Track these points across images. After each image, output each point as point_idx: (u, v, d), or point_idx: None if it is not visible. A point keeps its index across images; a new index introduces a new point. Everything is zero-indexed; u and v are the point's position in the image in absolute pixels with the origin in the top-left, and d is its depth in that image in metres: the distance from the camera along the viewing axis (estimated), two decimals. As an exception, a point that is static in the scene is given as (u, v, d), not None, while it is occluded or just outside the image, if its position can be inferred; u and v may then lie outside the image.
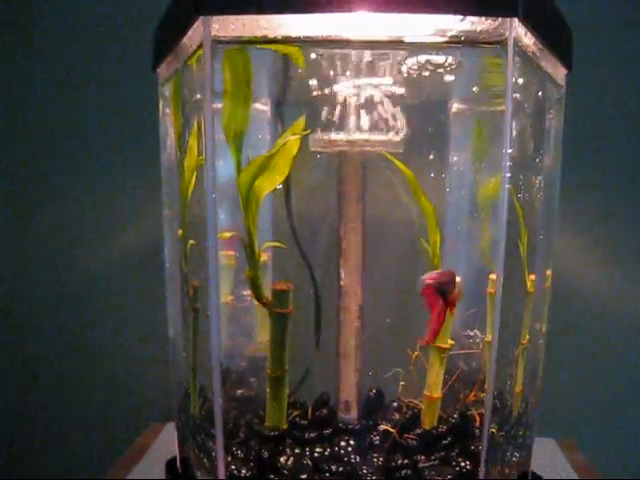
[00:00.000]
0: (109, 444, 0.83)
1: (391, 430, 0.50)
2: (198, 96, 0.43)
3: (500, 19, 0.37)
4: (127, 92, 0.79)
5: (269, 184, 0.46)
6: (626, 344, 0.81)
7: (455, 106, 0.55)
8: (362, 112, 0.49)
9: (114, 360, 0.84)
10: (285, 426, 0.51)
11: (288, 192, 0.55)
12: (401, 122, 0.50)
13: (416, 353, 0.52)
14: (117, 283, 0.83)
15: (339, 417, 0.53)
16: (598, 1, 0.76)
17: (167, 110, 0.52)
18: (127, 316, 0.83)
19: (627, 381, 0.81)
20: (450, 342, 0.52)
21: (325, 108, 0.50)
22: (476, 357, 0.55)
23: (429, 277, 0.45)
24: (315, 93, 0.49)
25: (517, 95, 0.42)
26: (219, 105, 0.42)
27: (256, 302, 0.49)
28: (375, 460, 0.48)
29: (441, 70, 0.44)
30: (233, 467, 0.46)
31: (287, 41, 0.39)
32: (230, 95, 0.43)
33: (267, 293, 0.48)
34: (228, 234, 0.47)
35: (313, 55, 0.44)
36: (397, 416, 0.53)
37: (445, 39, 0.38)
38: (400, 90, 0.49)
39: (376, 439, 0.50)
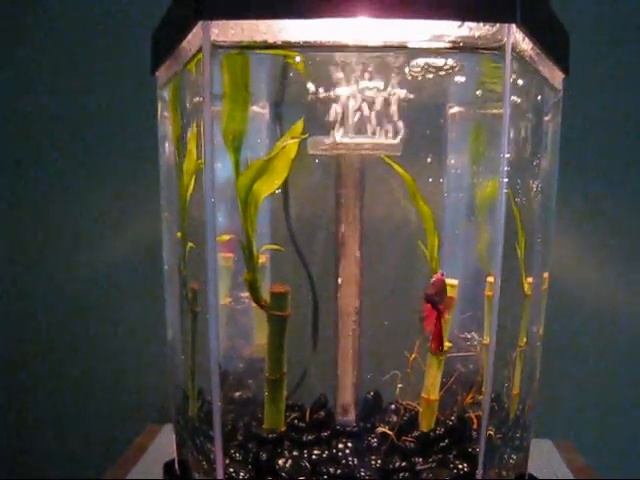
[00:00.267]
0: (107, 445, 0.83)
1: (389, 432, 0.50)
2: (197, 99, 0.43)
3: (498, 25, 0.37)
4: (126, 95, 0.79)
5: (268, 187, 0.46)
6: (623, 345, 0.81)
7: (453, 109, 0.55)
8: (360, 116, 0.49)
9: (112, 361, 0.84)
10: (283, 428, 0.51)
11: (286, 195, 0.55)
12: (399, 125, 0.50)
13: (414, 356, 0.52)
14: (115, 285, 0.83)
15: (337, 419, 0.53)
16: (595, 4, 0.77)
17: (166, 113, 0.52)
18: (126, 318, 0.83)
19: (624, 382, 0.81)
20: (447, 345, 0.52)
21: (323, 111, 0.50)
22: (473, 359, 0.55)
23: (427, 288, 0.46)
24: (313, 96, 0.49)
25: (515, 99, 0.42)
26: (218, 108, 0.42)
27: (254, 305, 0.49)
28: (373, 462, 0.48)
29: (440, 73, 0.44)
30: (231, 469, 0.46)
31: (287, 46, 0.39)
32: (229, 98, 0.44)
33: (265, 296, 0.48)
34: (227, 237, 0.47)
35: (312, 59, 0.44)
36: (395, 418, 0.53)
37: (444, 44, 0.39)
38: (398, 94, 0.49)
39: (374, 441, 0.50)
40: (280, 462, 0.47)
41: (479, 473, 0.43)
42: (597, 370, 0.81)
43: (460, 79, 0.48)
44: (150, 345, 0.81)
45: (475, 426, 0.52)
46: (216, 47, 0.38)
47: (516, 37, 0.38)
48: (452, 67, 0.42)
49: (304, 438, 0.50)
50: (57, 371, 0.84)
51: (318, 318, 0.57)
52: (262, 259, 0.52)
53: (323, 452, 0.49)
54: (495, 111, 0.50)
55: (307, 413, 0.55)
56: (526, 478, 0.52)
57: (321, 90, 0.48)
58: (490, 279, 0.53)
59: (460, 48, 0.39)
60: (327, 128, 0.50)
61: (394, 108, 0.49)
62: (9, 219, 0.83)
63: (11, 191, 0.83)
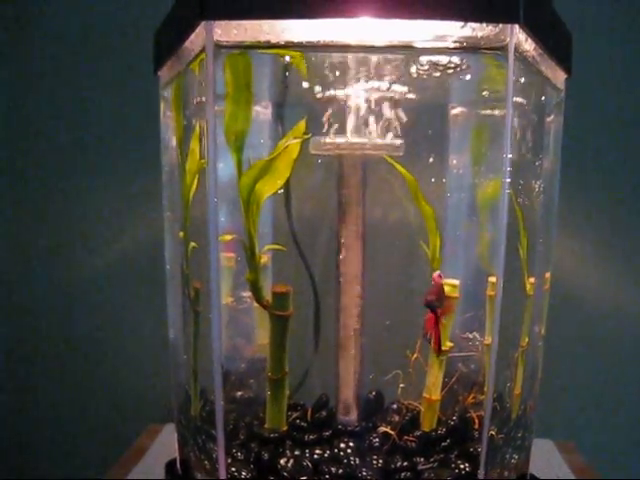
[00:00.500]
0: (108, 445, 0.83)
1: (390, 432, 0.50)
2: (200, 99, 0.43)
3: (501, 25, 0.37)
4: (128, 94, 0.79)
5: (270, 187, 0.46)
6: (625, 345, 0.81)
7: (455, 110, 0.55)
8: (362, 116, 0.49)
9: (113, 361, 0.84)
10: (285, 428, 0.51)
11: (288, 195, 0.55)
12: (401, 125, 0.50)
13: (415, 355, 0.52)
14: (117, 284, 0.83)
15: (339, 419, 0.53)
16: (597, 4, 0.77)
17: (168, 113, 0.52)
18: (127, 318, 0.83)
19: (626, 382, 0.81)
20: (449, 344, 0.52)
21: (326, 111, 0.50)
22: (475, 359, 0.55)
23: (428, 294, 0.47)
24: (316, 96, 0.49)
25: (517, 99, 0.42)
26: (220, 108, 0.42)
27: (256, 304, 0.49)
28: (374, 462, 0.48)
29: (447, 71, 0.44)
30: (233, 469, 0.46)
31: (289, 46, 0.39)
32: (231, 98, 0.44)
33: (267, 295, 0.48)
34: (229, 237, 0.47)
35: (314, 59, 0.44)
36: (396, 418, 0.53)
37: (446, 45, 0.39)
38: (400, 94, 0.49)
39: (375, 441, 0.50)
40: (282, 462, 0.47)
41: (481, 473, 0.43)
42: (598, 370, 0.81)
43: (462, 79, 0.48)
44: (151, 345, 0.81)
45: (477, 426, 0.52)
46: (219, 47, 0.38)
47: (519, 37, 0.38)
48: (458, 65, 0.42)
49: (306, 438, 0.50)
50: (58, 371, 0.85)
51: (320, 318, 0.57)
52: (264, 259, 0.52)
53: (325, 452, 0.49)
54: (497, 111, 0.50)
55: (309, 413, 0.55)
56: (528, 478, 0.52)
57: (324, 90, 0.48)
58: (492, 279, 0.53)
59: (463, 48, 0.39)
60: (329, 128, 0.50)
61: (396, 108, 0.49)
62: (9, 218, 0.83)
63: (12, 190, 0.83)
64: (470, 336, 0.55)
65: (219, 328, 0.41)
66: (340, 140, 0.50)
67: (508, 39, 0.37)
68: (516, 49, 0.38)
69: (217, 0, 0.37)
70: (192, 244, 0.48)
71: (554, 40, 0.44)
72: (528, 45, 0.40)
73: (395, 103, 0.49)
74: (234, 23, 0.38)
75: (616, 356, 0.81)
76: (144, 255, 0.82)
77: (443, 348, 0.52)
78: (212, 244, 0.39)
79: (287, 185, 0.54)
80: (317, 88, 0.48)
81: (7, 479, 0.86)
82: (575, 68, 0.50)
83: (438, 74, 0.43)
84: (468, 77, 0.47)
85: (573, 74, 0.50)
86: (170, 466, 0.54)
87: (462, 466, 0.48)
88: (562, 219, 0.59)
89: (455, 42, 0.38)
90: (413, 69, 0.45)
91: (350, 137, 0.50)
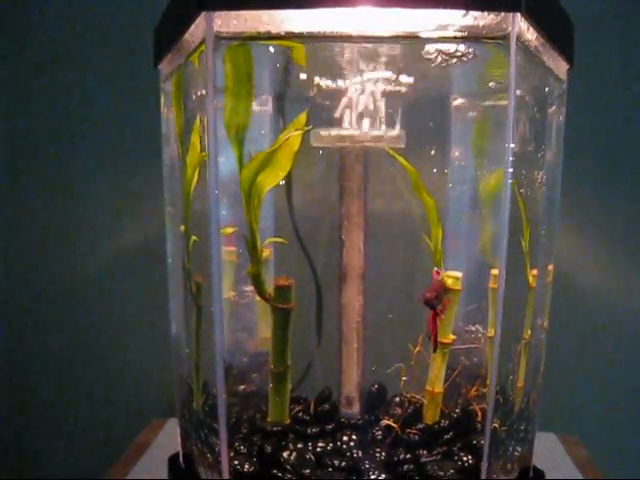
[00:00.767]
0: (111, 440, 0.83)
1: (393, 425, 0.50)
2: (200, 92, 0.43)
3: (503, 14, 0.37)
4: (129, 88, 0.79)
5: (271, 180, 0.45)
6: (627, 338, 0.81)
7: (456, 101, 0.55)
8: (364, 107, 0.49)
9: (115, 356, 0.84)
10: (288, 421, 0.51)
11: (290, 188, 0.55)
12: (402, 117, 0.50)
13: (418, 348, 0.52)
14: (119, 279, 0.83)
15: (341, 412, 0.53)
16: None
17: (169, 107, 0.52)
18: (129, 312, 0.83)
19: (628, 376, 0.81)
20: (452, 337, 0.52)
21: (327, 103, 0.49)
22: (478, 352, 0.55)
23: (427, 292, 0.46)
24: (317, 88, 0.49)
25: (519, 90, 0.42)
26: (221, 101, 0.42)
27: (258, 298, 0.49)
28: (377, 455, 0.48)
29: (449, 59, 0.43)
30: (236, 462, 0.46)
31: (290, 37, 0.39)
32: (232, 91, 0.43)
33: (269, 289, 0.48)
34: (230, 230, 0.47)
35: (315, 50, 0.44)
36: (399, 411, 0.53)
37: (448, 34, 0.38)
38: (402, 85, 0.48)
39: (378, 434, 0.50)
40: (285, 455, 0.47)
41: (484, 466, 0.43)
42: (601, 364, 0.81)
43: (464, 70, 0.48)
44: (153, 340, 0.81)
45: (479, 419, 0.52)
46: (219, 38, 0.38)
47: (521, 26, 0.38)
48: (464, 54, 0.42)
49: (308, 431, 0.50)
50: (58, 367, 0.85)
51: (322, 311, 0.57)
52: (266, 253, 0.52)
53: (327, 445, 0.49)
54: (499, 102, 0.49)
55: (311, 406, 0.55)
56: (531, 471, 0.52)
57: (324, 82, 0.48)
58: (494, 271, 0.53)
59: (464, 38, 0.38)
60: (330, 120, 0.49)
61: (397, 100, 0.49)
62: (9, 216, 0.83)
63: (11, 188, 0.83)
64: (473, 329, 0.55)
65: (221, 321, 0.41)
66: (341, 132, 0.49)
67: (510, 28, 0.37)
68: (518, 38, 0.37)
69: (217, -9, 0.36)
70: (193, 238, 0.48)
71: (556, 29, 0.44)
72: (530, 34, 0.40)
73: (396, 94, 0.49)
74: (233, 14, 0.38)
75: (618, 349, 0.81)
76: (145, 250, 0.81)
77: (445, 341, 0.52)
78: (213, 237, 0.39)
79: (288, 178, 0.54)
80: (318, 80, 0.48)
81: (7, 479, 0.86)
82: (577, 59, 0.49)
83: (444, 64, 0.43)
84: (470, 68, 0.47)
85: (575, 65, 0.49)
86: (173, 460, 0.54)
87: (465, 458, 0.48)
88: (563, 211, 0.58)
89: (457, 31, 0.38)
90: (417, 58, 0.45)
91: (351, 129, 0.50)
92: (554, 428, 0.72)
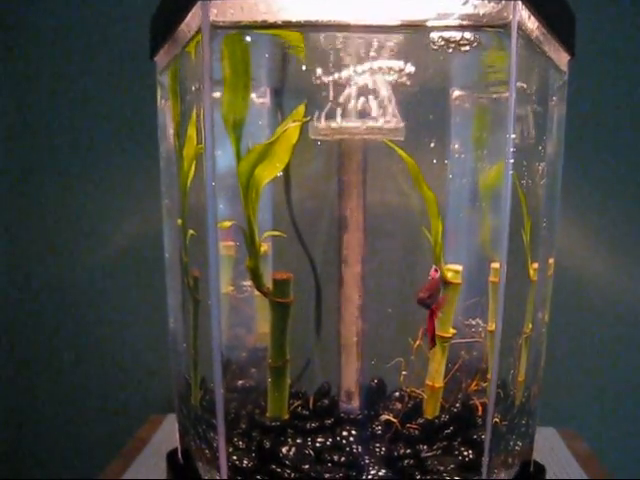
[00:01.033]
0: (110, 436, 0.83)
1: (393, 420, 0.50)
2: (197, 84, 0.43)
3: (503, 2, 0.36)
4: (125, 81, 0.79)
5: (269, 172, 0.45)
6: (627, 332, 0.80)
7: (456, 93, 0.54)
8: (363, 99, 0.49)
9: (114, 352, 0.84)
10: (286, 416, 0.51)
11: (288, 181, 0.54)
12: (401, 109, 0.49)
13: (418, 342, 0.52)
14: (117, 274, 0.82)
15: (341, 407, 0.53)
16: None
17: (165, 99, 0.52)
18: (127, 307, 0.83)
19: (628, 370, 0.81)
20: (452, 331, 0.52)
21: (325, 95, 0.49)
22: (478, 346, 0.55)
23: (420, 292, 0.46)
24: (315, 80, 0.48)
25: (520, 80, 0.41)
26: (218, 94, 0.42)
27: (257, 292, 0.48)
28: (377, 450, 0.47)
29: (455, 48, 0.42)
30: (235, 458, 0.46)
31: (287, 26, 0.39)
32: (229, 83, 0.43)
33: (268, 283, 0.48)
34: (228, 223, 0.46)
35: (313, 40, 0.43)
36: (399, 406, 0.53)
37: (448, 23, 0.38)
38: (401, 76, 0.48)
39: (378, 429, 0.50)
40: (284, 450, 0.46)
41: (485, 460, 0.42)
42: (600, 358, 0.81)
43: (464, 62, 0.47)
44: (151, 335, 0.81)
45: (480, 413, 0.52)
46: (215, 28, 0.37)
47: (522, 15, 0.37)
48: (470, 41, 0.41)
49: (308, 426, 0.50)
50: (57, 363, 0.84)
51: (321, 305, 0.57)
52: (264, 247, 0.51)
53: (327, 440, 0.48)
54: (500, 94, 0.49)
55: (311, 401, 0.54)
56: (531, 465, 0.52)
57: (322, 73, 0.47)
58: (494, 265, 0.52)
59: (465, 27, 0.38)
60: (329, 112, 0.49)
61: (397, 91, 0.48)
62: (9, 213, 0.83)
63: (9, 184, 0.83)
64: (473, 322, 0.54)
65: (218, 315, 0.40)
66: (340, 124, 0.49)
67: (511, 16, 0.36)
68: (519, 27, 0.37)
69: (213, -21, 0.36)
70: (190, 232, 0.48)
71: (557, 19, 0.43)
72: (531, 24, 0.39)
73: (395, 86, 0.48)
74: (230, 2, 0.37)
75: (618, 342, 0.80)
76: (143, 245, 0.81)
77: (445, 335, 0.52)
78: (211, 229, 0.39)
79: (287, 171, 0.54)
80: (316, 71, 0.48)
81: (6, 478, 0.86)
82: (578, 50, 0.49)
83: (449, 52, 0.42)
84: (471, 59, 0.47)
85: (577, 56, 0.49)
86: (171, 456, 0.53)
87: (465, 453, 0.47)
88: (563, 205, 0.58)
89: (457, 20, 0.37)
90: (416, 49, 0.44)
91: (350, 121, 0.49)
92: (554, 422, 0.72)
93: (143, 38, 0.51)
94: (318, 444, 0.48)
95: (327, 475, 0.44)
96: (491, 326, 0.53)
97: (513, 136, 0.38)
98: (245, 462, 0.46)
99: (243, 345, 0.59)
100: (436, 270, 0.47)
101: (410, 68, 0.48)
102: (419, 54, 0.46)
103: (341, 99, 0.49)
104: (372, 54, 0.46)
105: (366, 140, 0.50)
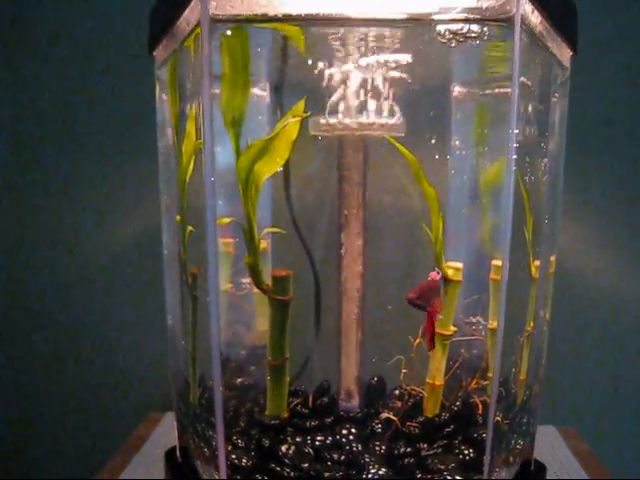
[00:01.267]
0: (108, 434, 0.82)
1: (393, 418, 0.50)
2: (196, 78, 0.42)
3: (507, -5, 0.36)
4: (124, 76, 0.78)
5: (269, 168, 0.45)
6: (627, 330, 0.80)
7: (457, 89, 0.54)
8: (363, 95, 0.48)
9: (112, 350, 0.83)
10: (286, 414, 0.50)
11: (288, 177, 0.54)
12: (402, 104, 0.49)
13: (418, 340, 0.51)
14: (116, 272, 0.82)
15: (340, 405, 0.53)
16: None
17: (164, 94, 0.51)
18: (125, 304, 0.82)
19: (628, 369, 0.81)
20: (452, 329, 0.51)
21: (325, 90, 0.49)
22: (478, 344, 0.55)
23: (409, 292, 0.45)
24: (315, 75, 0.48)
25: (523, 75, 0.41)
26: (217, 91, 0.41)
27: (256, 289, 0.48)
28: (377, 449, 0.47)
29: (464, 41, 0.42)
30: (233, 456, 0.45)
31: (287, 19, 0.38)
32: (228, 79, 0.42)
33: (267, 280, 0.47)
34: (227, 219, 0.46)
35: (314, 34, 0.43)
36: (399, 404, 0.53)
37: (450, 16, 0.37)
38: (402, 71, 0.47)
39: (378, 427, 0.50)
40: (283, 448, 0.46)
41: (487, 459, 0.42)
42: (600, 356, 0.80)
43: (466, 57, 0.47)
44: (150, 332, 0.81)
45: (480, 411, 0.52)
46: (214, 21, 0.37)
47: (525, 9, 0.37)
48: (478, 35, 0.40)
49: (307, 424, 0.50)
50: (55, 361, 0.84)
51: (321, 302, 0.56)
52: (263, 244, 0.51)
53: (326, 438, 0.48)
54: (502, 90, 0.49)
55: (310, 399, 0.54)
56: (532, 464, 0.51)
57: (323, 68, 0.47)
58: (495, 262, 0.52)
59: (467, 20, 0.37)
60: (329, 108, 0.48)
61: (398, 87, 0.48)
62: (8, 210, 0.82)
63: (9, 180, 0.82)
64: (473, 320, 0.54)
65: (217, 312, 0.40)
66: (340, 120, 0.48)
67: (514, 10, 0.36)
68: (522, 21, 0.36)
69: (212, -28, 0.35)
70: (189, 228, 0.47)
71: (560, 14, 0.43)
72: (534, 18, 0.39)
73: (396, 81, 0.48)
74: (230, -5, 0.36)
75: (618, 341, 0.80)
76: (141, 242, 0.81)
77: (446, 333, 0.51)
78: (210, 225, 0.38)
79: (286, 167, 0.53)
80: (316, 66, 0.47)
81: (7, 479, 0.86)
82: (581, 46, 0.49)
83: (456, 44, 0.41)
84: (472, 55, 0.46)
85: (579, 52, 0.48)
86: (170, 454, 0.53)
87: (466, 452, 0.47)
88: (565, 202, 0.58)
89: (459, 13, 0.37)
90: (419, 44, 0.44)
91: (351, 117, 0.49)
92: (553, 420, 0.72)
93: (142, 32, 0.51)
94: (318, 442, 0.47)
95: (327, 474, 0.44)
96: (492, 324, 0.53)
97: (516, 131, 0.37)
98: (244, 460, 0.45)
99: (242, 343, 0.58)
100: (438, 272, 0.46)
101: (410, 63, 0.47)
102: (420, 49, 0.46)
103: (341, 95, 0.48)
104: (372, 49, 0.46)
105: (366, 136, 0.50)
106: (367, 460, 0.46)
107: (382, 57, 0.45)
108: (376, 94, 0.48)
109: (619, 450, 0.81)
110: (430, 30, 0.40)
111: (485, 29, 0.39)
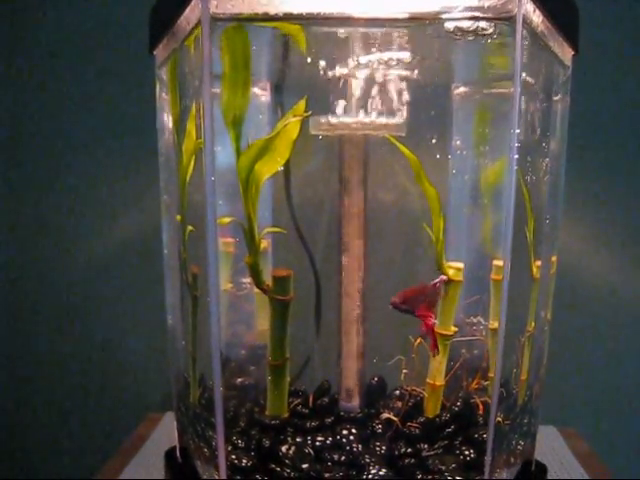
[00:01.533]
0: (108, 434, 0.82)
1: (393, 419, 0.50)
2: (196, 77, 0.42)
3: (509, -6, 0.36)
4: (124, 75, 0.78)
5: (269, 168, 0.44)
6: (627, 330, 0.80)
7: (459, 89, 0.54)
8: (364, 94, 0.48)
9: (112, 349, 0.83)
10: (286, 415, 0.50)
11: (288, 177, 0.54)
12: (404, 104, 0.49)
13: (419, 340, 0.51)
14: (115, 271, 0.82)
15: (341, 405, 0.53)
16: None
17: (164, 93, 0.51)
18: (125, 304, 0.82)
19: (628, 368, 0.81)
20: (453, 329, 0.51)
21: (326, 90, 0.48)
22: (479, 344, 0.54)
23: (394, 296, 0.45)
24: (317, 74, 0.47)
25: (525, 74, 0.41)
26: (217, 90, 0.41)
27: (256, 289, 0.48)
28: (377, 449, 0.47)
29: (476, 38, 0.41)
30: (233, 456, 0.45)
31: (288, 18, 0.38)
32: (229, 78, 0.42)
33: (267, 280, 0.47)
34: (227, 219, 0.46)
35: (315, 34, 0.43)
36: (399, 404, 0.53)
37: (452, 15, 0.37)
38: (404, 71, 0.47)
39: (378, 428, 0.49)
40: (283, 449, 0.46)
41: (488, 460, 0.42)
42: (600, 355, 0.80)
43: (467, 57, 0.47)
44: (150, 332, 0.81)
45: (481, 412, 0.51)
46: (215, 20, 0.37)
47: (527, 8, 0.36)
48: (488, 32, 0.40)
49: (307, 424, 0.50)
50: (55, 360, 0.84)
51: (321, 302, 0.56)
52: (264, 243, 0.51)
53: (327, 439, 0.48)
54: (503, 90, 0.48)
55: (310, 399, 0.54)
56: (533, 465, 0.51)
57: (324, 67, 0.47)
58: (496, 262, 0.52)
59: (470, 19, 0.37)
60: (329, 107, 0.48)
61: (398, 86, 0.48)
62: (7, 209, 0.82)
63: (9, 178, 0.82)
64: (474, 320, 0.54)
65: (217, 313, 0.40)
66: (341, 120, 0.48)
67: (516, 9, 0.36)
68: (524, 20, 0.36)
69: (213, -30, 0.35)
70: (189, 228, 0.47)
71: (562, 13, 0.43)
72: (536, 17, 0.39)
73: (398, 81, 0.48)
74: (230, -6, 0.36)
75: (618, 342, 0.80)
76: (141, 241, 0.80)
77: (447, 333, 0.51)
78: (210, 224, 0.38)
79: (287, 167, 0.53)
80: (318, 65, 0.47)
81: (5, 478, 0.86)
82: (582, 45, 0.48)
83: (464, 39, 0.41)
84: (474, 54, 0.46)
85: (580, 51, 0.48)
86: (170, 454, 0.53)
87: (467, 452, 0.47)
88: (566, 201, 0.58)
89: (461, 12, 0.37)
90: (420, 43, 0.43)
91: (351, 116, 0.49)
92: (554, 421, 0.71)
93: (142, 32, 0.51)
94: (318, 443, 0.47)
95: (327, 474, 0.44)
96: (493, 324, 0.53)
97: (517, 131, 0.37)
98: (244, 461, 0.45)
99: (242, 343, 0.58)
100: (443, 280, 0.46)
101: (412, 62, 0.47)
102: (421, 48, 0.46)
103: (342, 94, 0.48)
104: (373, 48, 0.46)
105: (367, 136, 0.49)
106: (367, 461, 0.45)
107: (383, 55, 0.45)
108: (377, 93, 0.48)
109: (620, 450, 0.81)
110: (432, 29, 0.40)
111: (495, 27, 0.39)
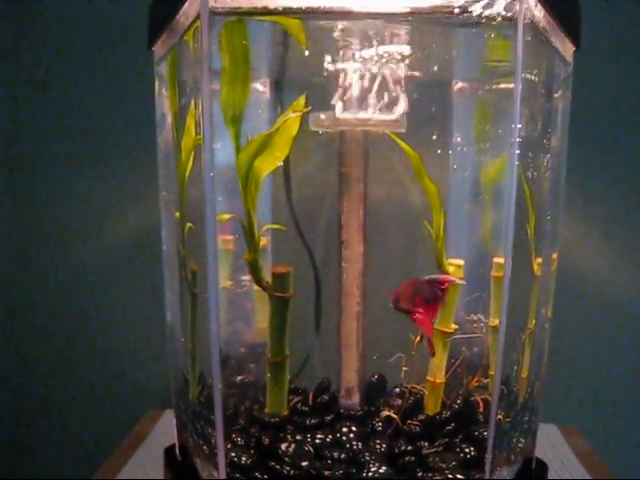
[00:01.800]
0: (107, 432, 0.82)
1: (393, 416, 0.49)
2: (195, 73, 0.42)
3: (510, -12, 0.36)
4: (122, 71, 0.78)
5: (269, 164, 0.44)
6: (628, 329, 0.80)
7: (459, 85, 0.54)
8: (364, 90, 0.48)
9: (111, 347, 0.83)
10: (286, 412, 0.50)
11: (288, 173, 0.54)
12: (404, 100, 0.48)
13: (419, 338, 0.51)
14: (115, 269, 0.82)
15: (341, 403, 0.53)
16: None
17: (163, 90, 0.51)
18: (124, 302, 0.82)
19: (630, 367, 0.80)
20: (453, 326, 0.51)
21: (326, 86, 0.48)
22: (479, 342, 0.54)
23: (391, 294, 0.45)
24: (316, 69, 0.47)
25: (526, 70, 0.40)
26: (216, 87, 0.41)
27: (256, 286, 0.48)
28: (377, 447, 0.47)
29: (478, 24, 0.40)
30: (233, 454, 0.45)
31: (287, 12, 0.38)
32: (228, 73, 0.42)
33: (267, 277, 0.47)
34: (227, 216, 0.46)
35: (314, 28, 0.43)
36: (400, 402, 0.52)
37: (452, 9, 0.37)
38: (404, 67, 0.47)
39: (378, 425, 0.49)
40: (283, 446, 0.46)
41: (488, 457, 0.42)
42: (602, 355, 0.80)
43: (467, 52, 0.47)
44: (149, 330, 0.80)
45: (481, 409, 0.51)
46: (214, 14, 0.37)
47: (529, 2, 0.36)
48: (493, 17, 0.39)
49: (307, 422, 0.50)
50: (54, 359, 0.84)
51: (321, 300, 0.56)
52: (263, 241, 0.51)
53: (327, 436, 0.48)
54: (504, 86, 0.48)
55: (310, 397, 0.54)
56: (533, 463, 0.51)
57: (323, 62, 0.47)
58: (497, 260, 0.52)
59: (470, 12, 0.37)
60: (329, 103, 0.48)
61: (398, 82, 0.48)
62: (7, 211, 0.82)
63: (9, 182, 0.82)
64: (475, 318, 0.54)
65: (217, 310, 0.39)
66: (341, 115, 0.48)
67: (518, 4, 0.35)
68: (526, 14, 0.36)
69: (211, -36, 0.35)
70: (189, 225, 0.47)
71: (564, 9, 0.42)
72: (538, 12, 0.38)
73: (398, 76, 0.47)
74: (229, -12, 0.36)
75: (619, 340, 0.80)
76: (140, 238, 0.80)
77: (447, 330, 0.51)
78: (209, 221, 0.38)
79: (287, 163, 0.53)
80: (317, 61, 0.47)
81: (5, 477, 0.85)
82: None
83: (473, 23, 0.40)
84: (474, 49, 0.46)
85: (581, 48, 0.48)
86: (169, 452, 0.53)
87: (467, 450, 0.47)
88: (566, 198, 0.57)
89: (461, 7, 0.36)
90: (420, 38, 0.43)
91: (351, 112, 0.48)
92: (555, 419, 0.71)
93: (140, 27, 0.50)
94: (318, 440, 0.47)
95: (327, 472, 0.44)
96: (493, 321, 0.53)
97: (519, 126, 0.37)
98: (244, 459, 0.45)
99: (242, 340, 0.58)
100: (447, 279, 0.45)
101: (412, 58, 0.47)
102: (421, 43, 0.46)
103: (342, 89, 0.48)
104: (373, 43, 0.45)
105: (367, 132, 0.49)
106: (367, 458, 0.45)
107: (382, 49, 0.45)
108: (377, 89, 0.48)
109: (620, 449, 0.81)
110: (432, 23, 0.40)
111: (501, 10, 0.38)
